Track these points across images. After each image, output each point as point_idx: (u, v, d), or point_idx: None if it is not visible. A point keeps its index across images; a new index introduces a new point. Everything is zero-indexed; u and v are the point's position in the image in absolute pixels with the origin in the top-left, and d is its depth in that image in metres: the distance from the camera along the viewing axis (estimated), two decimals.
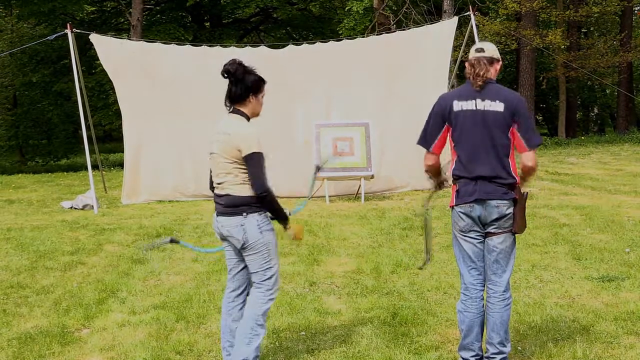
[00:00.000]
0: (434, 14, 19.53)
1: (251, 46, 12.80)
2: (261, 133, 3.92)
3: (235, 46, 13.45)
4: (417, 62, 11.41)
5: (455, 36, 11.90)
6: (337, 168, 10.50)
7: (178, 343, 4.60)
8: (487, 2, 22.86)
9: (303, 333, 4.73)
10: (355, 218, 8.96)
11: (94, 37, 11.15)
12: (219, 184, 3.94)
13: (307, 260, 6.71)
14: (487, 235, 3.91)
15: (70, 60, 11.19)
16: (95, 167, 12.55)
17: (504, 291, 3.93)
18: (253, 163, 3.81)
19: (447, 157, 4.04)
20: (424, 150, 4.03)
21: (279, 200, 3.97)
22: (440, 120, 3.95)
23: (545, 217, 8.49)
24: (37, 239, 8.08)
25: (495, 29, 20.58)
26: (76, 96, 11.00)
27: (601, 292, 5.44)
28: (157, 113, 10.99)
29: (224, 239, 4.02)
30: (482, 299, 3.99)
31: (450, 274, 6.00)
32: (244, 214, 3.86)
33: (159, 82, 11.05)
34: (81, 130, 11.83)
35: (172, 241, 4.53)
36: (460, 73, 20.53)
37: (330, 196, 10.66)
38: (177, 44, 12.38)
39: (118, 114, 13.38)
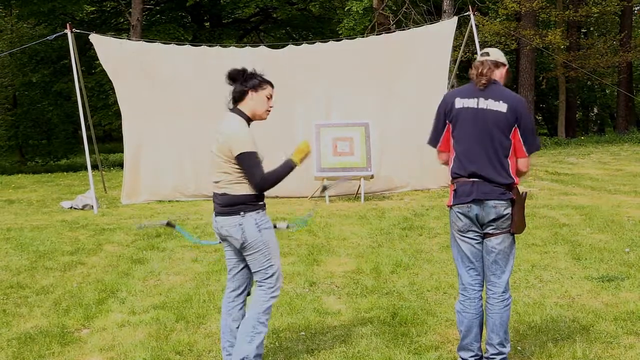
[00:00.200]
0: (434, 14, 19.53)
1: (251, 46, 12.80)
2: (260, 133, 3.92)
3: (235, 46, 13.44)
4: (417, 62, 11.40)
5: (455, 36, 11.90)
6: (337, 168, 10.51)
7: (178, 343, 4.60)
8: (487, 2, 22.85)
9: (303, 333, 4.73)
10: (355, 218, 8.96)
11: (94, 37, 11.15)
12: (216, 182, 3.93)
13: (307, 260, 6.71)
14: (485, 235, 3.91)
15: (70, 60, 11.19)
16: (95, 167, 12.55)
17: (503, 292, 3.92)
18: (244, 163, 3.80)
19: None
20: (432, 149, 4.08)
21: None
22: (443, 118, 3.97)
23: (545, 217, 8.49)
24: (37, 239, 8.08)
25: (495, 29, 20.58)
26: (76, 96, 11.00)
27: (601, 292, 5.44)
28: (157, 113, 10.99)
29: (224, 239, 4.02)
30: (481, 299, 3.98)
31: (450, 274, 6.00)
32: (242, 213, 3.85)
33: (158, 82, 11.05)
34: (81, 130, 11.83)
35: (168, 224, 4.46)
36: (460, 73, 20.57)
37: (330, 196, 10.66)
38: (176, 44, 12.38)
39: (118, 114, 13.38)
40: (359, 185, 10.70)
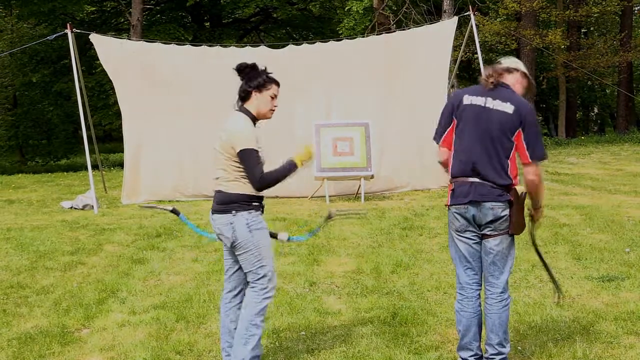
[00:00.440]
0: (434, 14, 19.53)
1: (251, 46, 12.81)
2: (259, 133, 3.92)
3: (235, 46, 13.45)
4: (417, 62, 11.40)
5: (455, 36, 11.90)
6: (337, 168, 10.51)
7: (178, 343, 4.60)
8: (487, 2, 22.86)
9: (303, 333, 4.73)
10: (355, 218, 8.95)
11: (94, 37, 11.15)
12: (216, 179, 3.94)
13: (307, 260, 6.71)
14: (483, 237, 3.90)
15: (70, 60, 11.19)
16: (95, 167, 12.55)
17: (502, 292, 3.91)
18: (244, 160, 3.80)
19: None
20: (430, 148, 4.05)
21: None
22: (449, 114, 3.97)
23: (545, 217, 8.46)
24: (37, 239, 8.08)
25: (495, 29, 20.59)
26: (76, 96, 11.00)
27: (601, 292, 5.44)
28: (157, 113, 10.99)
29: (220, 238, 4.01)
30: (479, 298, 3.98)
31: (450, 274, 6.00)
32: (234, 211, 3.84)
33: (158, 82, 11.05)
34: (81, 130, 11.83)
35: (173, 211, 4.52)
36: (460, 73, 20.58)
37: (330, 196, 10.66)
38: (177, 44, 12.39)
39: (118, 114, 13.38)
40: (359, 185, 10.69)
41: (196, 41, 22.14)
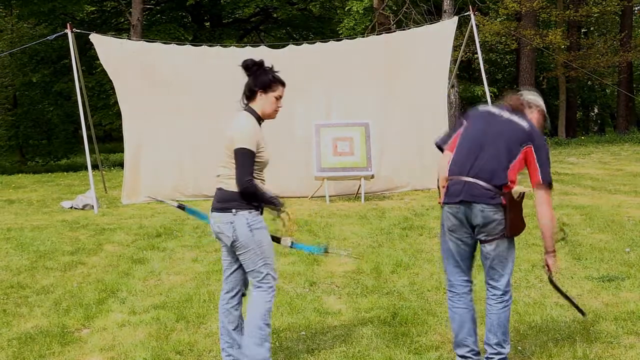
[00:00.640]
0: (434, 14, 19.52)
1: (251, 46, 12.81)
2: (262, 133, 3.92)
3: (235, 46, 13.44)
4: (417, 62, 11.40)
5: (455, 36, 11.90)
6: (337, 168, 10.52)
7: (178, 343, 4.60)
8: (487, 2, 22.86)
9: (303, 333, 4.73)
10: (355, 218, 8.96)
11: (94, 37, 11.16)
12: (217, 176, 3.94)
13: (307, 260, 6.71)
14: (479, 241, 3.89)
15: (70, 60, 11.19)
16: (95, 167, 12.55)
17: (502, 294, 3.89)
18: (237, 159, 3.79)
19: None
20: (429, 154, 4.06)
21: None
22: (462, 121, 4.02)
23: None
24: (37, 239, 8.08)
25: (495, 29, 20.59)
26: (76, 96, 11.01)
27: (601, 292, 5.44)
28: (157, 113, 11.00)
29: (217, 237, 3.99)
30: (470, 293, 3.98)
31: None
32: (234, 210, 3.82)
33: (159, 82, 11.05)
34: (81, 130, 11.84)
35: (179, 207, 4.61)
36: (460, 73, 20.57)
37: (330, 196, 10.66)
38: (177, 44, 12.39)
39: (118, 114, 13.39)
40: (359, 185, 10.70)
41: (196, 41, 22.13)
